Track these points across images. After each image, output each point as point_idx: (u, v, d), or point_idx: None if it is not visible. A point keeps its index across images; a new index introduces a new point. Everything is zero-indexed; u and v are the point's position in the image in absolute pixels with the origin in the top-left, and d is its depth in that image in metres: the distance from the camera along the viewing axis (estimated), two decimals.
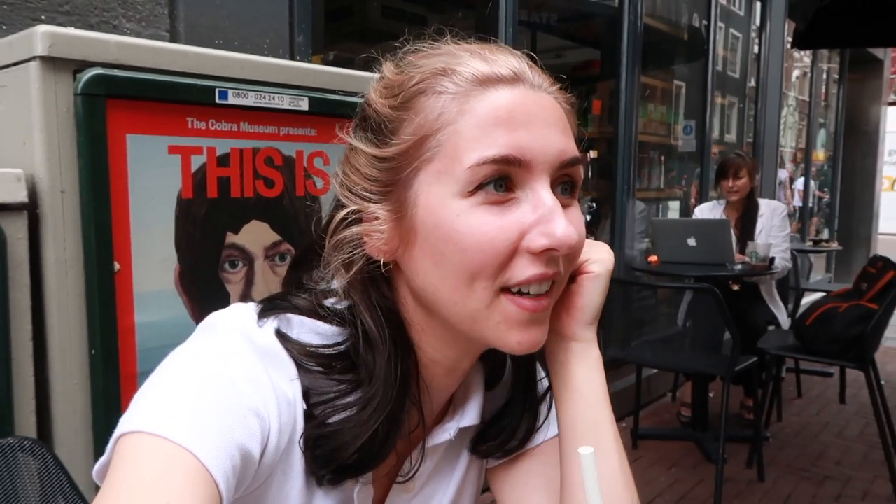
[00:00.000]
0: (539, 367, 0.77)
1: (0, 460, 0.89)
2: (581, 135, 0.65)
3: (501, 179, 0.56)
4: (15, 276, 1.01)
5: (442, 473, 0.72)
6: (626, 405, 3.63)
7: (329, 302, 0.63)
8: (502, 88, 0.57)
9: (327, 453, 0.58)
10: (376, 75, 0.64)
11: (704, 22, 4.89)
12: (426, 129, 0.57)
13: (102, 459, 0.51)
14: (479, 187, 0.55)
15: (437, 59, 0.60)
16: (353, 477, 0.60)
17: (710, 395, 3.61)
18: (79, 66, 1.03)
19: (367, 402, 0.59)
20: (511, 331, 0.57)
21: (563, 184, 0.60)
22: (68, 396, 1.06)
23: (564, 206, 0.58)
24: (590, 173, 4.33)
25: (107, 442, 1.11)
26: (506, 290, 0.56)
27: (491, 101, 0.56)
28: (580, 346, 0.67)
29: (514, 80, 0.57)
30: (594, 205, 4.13)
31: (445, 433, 0.68)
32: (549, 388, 0.73)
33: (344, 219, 0.61)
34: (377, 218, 0.60)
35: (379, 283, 0.62)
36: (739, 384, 3.79)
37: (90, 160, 1.03)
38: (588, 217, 4.29)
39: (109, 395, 1.07)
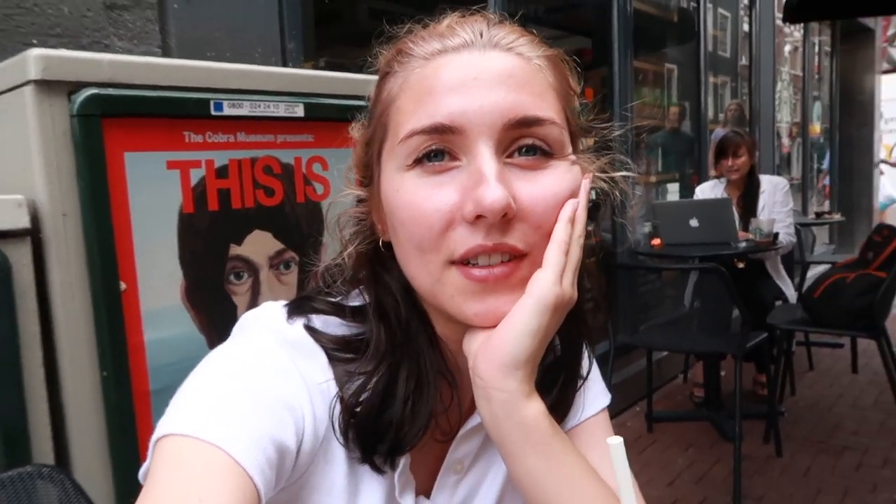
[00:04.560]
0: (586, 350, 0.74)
1: (20, 489, 0.89)
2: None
3: (439, 149, 0.55)
4: (22, 303, 1.01)
5: (489, 456, 0.71)
6: (638, 390, 3.63)
7: (354, 303, 0.65)
8: (443, 58, 0.56)
9: (365, 434, 0.59)
10: (373, 77, 0.66)
11: (693, 3, 4.88)
12: (380, 109, 0.60)
13: (145, 465, 0.52)
14: (418, 161, 0.55)
15: (401, 41, 0.61)
16: (396, 454, 0.60)
17: (722, 373, 3.61)
18: (73, 88, 1.02)
19: (386, 373, 0.60)
20: (466, 303, 0.55)
21: (527, 147, 0.55)
22: (83, 420, 1.05)
23: (529, 168, 0.55)
24: None
25: (125, 461, 1.11)
26: (455, 262, 0.55)
27: (426, 72, 0.56)
28: (501, 396, 0.55)
29: (461, 47, 0.56)
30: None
31: None
32: (588, 375, 0.73)
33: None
34: (365, 200, 0.64)
35: (385, 260, 0.63)
36: (751, 361, 3.79)
37: (89, 181, 1.03)
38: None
39: (124, 415, 1.07)
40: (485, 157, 0.53)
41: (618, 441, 0.45)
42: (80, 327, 1.04)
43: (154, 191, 1.11)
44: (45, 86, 0.99)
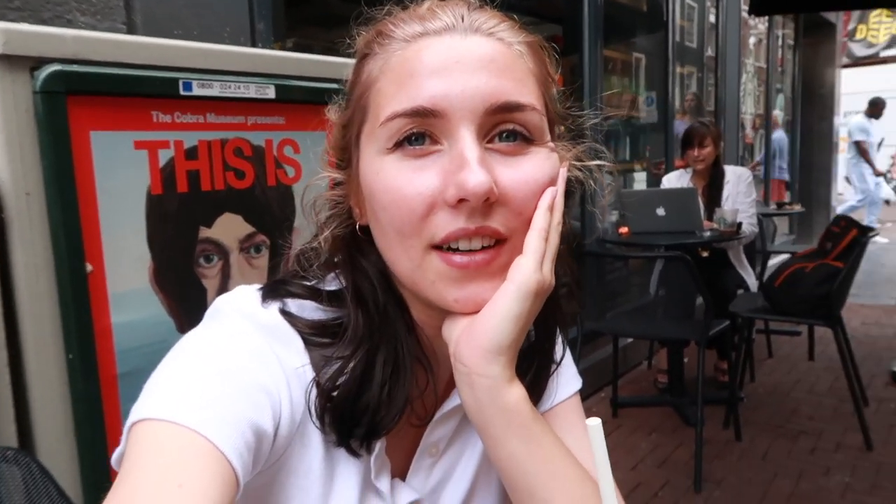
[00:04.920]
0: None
1: None
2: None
3: (421, 132, 0.54)
4: None
5: (464, 437, 0.72)
6: (604, 375, 3.69)
7: (329, 287, 0.64)
8: (424, 41, 0.56)
9: (341, 418, 0.59)
10: (346, 59, 0.65)
11: None
12: (360, 91, 0.59)
13: (118, 449, 0.51)
14: (399, 144, 0.55)
15: (381, 22, 0.60)
16: (372, 438, 0.61)
17: (685, 360, 3.68)
18: (35, 63, 0.99)
19: (363, 358, 0.60)
20: (447, 289, 0.56)
21: (507, 132, 0.55)
22: (48, 403, 1.03)
23: (510, 154, 0.55)
24: None
25: (91, 445, 1.09)
26: (436, 247, 0.55)
27: (407, 55, 0.56)
28: (485, 382, 0.56)
29: (442, 31, 0.56)
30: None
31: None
32: (561, 360, 0.74)
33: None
34: (342, 183, 0.64)
35: (361, 244, 0.63)
36: (712, 348, 3.88)
37: (54, 160, 1.00)
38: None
39: (90, 399, 1.05)
40: (467, 141, 0.53)
41: (597, 423, 0.45)
42: (44, 309, 1.02)
43: (121, 171, 1.09)
44: (5, 61, 0.96)
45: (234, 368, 0.54)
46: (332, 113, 0.65)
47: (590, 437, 0.46)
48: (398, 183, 0.54)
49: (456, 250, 0.55)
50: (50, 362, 1.03)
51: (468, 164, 0.52)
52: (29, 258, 1.00)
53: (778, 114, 8.30)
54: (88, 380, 1.05)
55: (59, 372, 1.04)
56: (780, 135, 8.22)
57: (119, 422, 1.08)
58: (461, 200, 0.52)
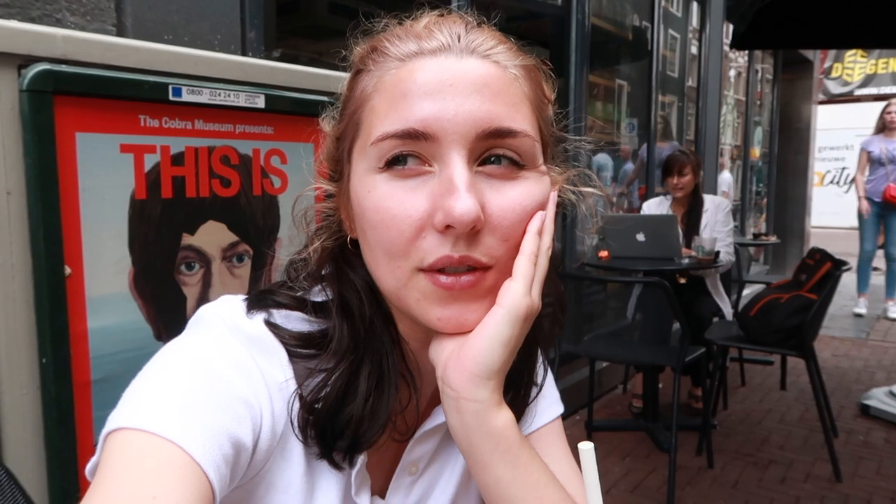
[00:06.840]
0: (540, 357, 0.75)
1: None
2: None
3: (411, 154, 0.54)
4: None
5: (444, 456, 0.71)
6: (579, 398, 3.69)
7: (316, 299, 0.64)
8: (419, 61, 0.55)
9: (323, 430, 0.58)
10: (336, 73, 0.65)
11: (646, 24, 5.01)
12: (353, 107, 0.59)
13: (93, 459, 0.50)
14: (389, 164, 0.55)
15: (376, 37, 0.60)
16: (355, 452, 0.60)
17: (660, 385, 3.70)
18: (24, 62, 0.98)
19: (346, 370, 0.59)
20: (431, 307, 0.55)
21: (497, 157, 0.55)
22: (18, 407, 1.01)
23: (500, 178, 0.55)
24: None
25: (60, 450, 1.07)
26: (423, 269, 0.55)
27: (401, 75, 0.55)
28: (472, 406, 0.56)
29: (437, 51, 0.55)
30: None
31: (441, 415, 0.67)
32: (543, 383, 0.74)
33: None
34: (334, 195, 0.63)
35: (350, 257, 0.63)
36: (687, 374, 3.90)
37: (37, 159, 0.99)
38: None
39: (62, 405, 1.03)
40: (457, 166, 0.53)
41: (589, 447, 0.45)
42: (19, 311, 1.00)
43: (105, 174, 1.07)
44: None
45: (216, 379, 0.53)
46: (326, 123, 0.65)
47: (582, 461, 0.45)
48: (388, 204, 0.54)
49: (442, 271, 0.54)
50: (22, 365, 1.00)
51: (457, 189, 0.52)
52: (6, 258, 0.98)
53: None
54: (61, 385, 1.03)
55: (30, 376, 1.01)
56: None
57: (90, 428, 1.06)
58: (448, 226, 0.52)
